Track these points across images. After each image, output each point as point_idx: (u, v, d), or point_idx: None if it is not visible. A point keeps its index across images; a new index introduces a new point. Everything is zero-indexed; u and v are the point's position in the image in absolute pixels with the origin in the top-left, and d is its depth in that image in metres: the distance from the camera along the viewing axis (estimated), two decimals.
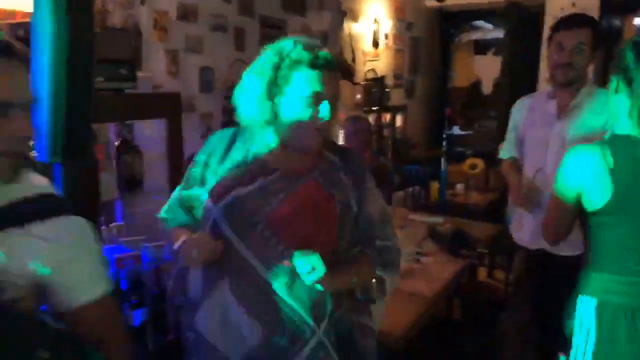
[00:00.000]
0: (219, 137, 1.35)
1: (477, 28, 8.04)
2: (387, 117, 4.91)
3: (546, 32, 5.41)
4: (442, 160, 6.92)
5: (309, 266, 1.12)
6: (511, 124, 2.26)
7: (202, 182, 1.32)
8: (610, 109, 1.39)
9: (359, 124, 3.52)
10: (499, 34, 7.23)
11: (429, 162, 6.28)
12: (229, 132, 1.36)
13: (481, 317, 2.55)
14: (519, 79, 5.87)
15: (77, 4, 1.28)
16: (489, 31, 8.00)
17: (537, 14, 5.59)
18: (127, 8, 2.74)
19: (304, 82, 1.20)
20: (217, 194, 1.25)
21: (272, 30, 3.77)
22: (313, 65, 1.20)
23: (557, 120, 2.03)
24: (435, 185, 3.67)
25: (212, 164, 1.30)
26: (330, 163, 1.33)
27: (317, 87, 1.20)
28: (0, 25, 1.80)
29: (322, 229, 1.24)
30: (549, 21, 5.46)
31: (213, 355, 1.25)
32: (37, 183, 0.98)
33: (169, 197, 1.47)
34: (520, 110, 2.21)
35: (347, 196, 1.30)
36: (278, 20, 3.83)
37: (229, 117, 3.42)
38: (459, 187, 3.99)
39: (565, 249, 1.86)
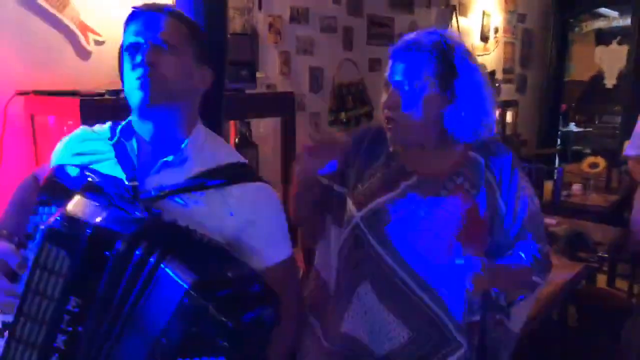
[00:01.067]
0: (366, 137, 1.29)
1: (599, 16, 7.40)
2: (497, 113, 4.72)
3: None
4: (557, 158, 6.51)
5: (468, 269, 1.08)
6: None
7: (341, 176, 1.27)
8: None
9: None
10: (625, 21, 6.61)
11: (540, 160, 5.95)
12: (371, 131, 1.30)
13: (600, 325, 2.37)
14: None
15: (212, 9, 1.43)
16: (614, 19, 7.32)
17: None
18: (246, 14, 2.94)
19: None
20: (361, 199, 1.22)
21: (380, 29, 3.81)
22: None
23: None
24: (548, 186, 3.46)
25: (357, 164, 1.26)
26: (474, 163, 1.24)
27: None
28: None
29: (469, 238, 1.18)
30: None
31: (359, 352, 1.24)
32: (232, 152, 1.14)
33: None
34: None
35: (495, 199, 1.22)
36: (385, 18, 3.86)
37: (335, 116, 3.55)
38: (576, 187, 3.72)
39: None
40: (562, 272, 2.01)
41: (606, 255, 2.18)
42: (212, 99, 1.48)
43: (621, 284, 3.37)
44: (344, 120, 3.58)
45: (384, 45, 3.81)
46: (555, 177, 3.16)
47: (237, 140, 2.32)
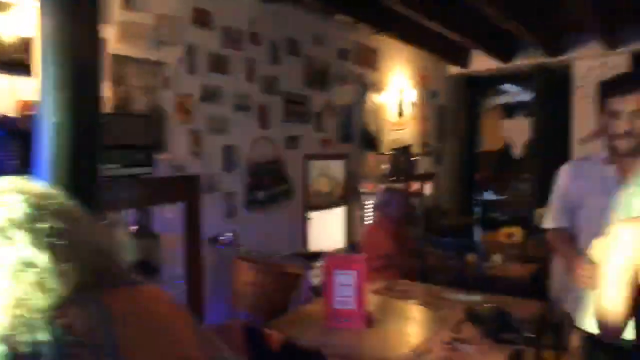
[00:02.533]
0: None
1: (503, 92, 8.04)
2: (416, 186, 4.79)
3: (575, 92, 5.36)
4: (475, 228, 6.66)
5: None
6: (557, 190, 2.10)
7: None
8: None
9: (395, 196, 3.41)
10: (526, 96, 7.20)
11: (461, 230, 6.07)
12: None
13: None
14: (551, 140, 5.73)
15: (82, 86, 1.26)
16: (516, 94, 7.98)
17: (565, 74, 5.53)
18: (151, 93, 2.79)
19: None
20: None
21: (295, 106, 3.80)
22: None
23: (618, 186, 1.89)
24: (471, 258, 3.46)
25: None
26: None
27: None
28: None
29: None
30: (578, 80, 5.39)
31: None
32: None
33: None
34: (570, 177, 2.06)
35: None
36: (301, 96, 3.87)
37: (252, 195, 3.39)
38: (496, 258, 3.75)
39: None
40: (490, 357, 1.90)
41: (533, 335, 2.10)
42: (86, 188, 1.28)
43: (549, 357, 3.33)
44: (262, 200, 3.43)
45: (300, 123, 3.89)
46: (477, 250, 3.16)
47: (133, 230, 2.08)
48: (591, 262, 1.82)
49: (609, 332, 1.38)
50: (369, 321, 2.23)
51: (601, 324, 1.40)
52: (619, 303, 1.34)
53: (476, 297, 2.58)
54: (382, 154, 4.56)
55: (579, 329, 2.05)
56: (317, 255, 3.27)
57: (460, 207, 6.25)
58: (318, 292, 2.90)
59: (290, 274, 2.83)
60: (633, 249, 1.30)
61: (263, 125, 3.52)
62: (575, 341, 2.05)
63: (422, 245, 3.31)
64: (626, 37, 4.97)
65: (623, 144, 1.81)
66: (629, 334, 1.52)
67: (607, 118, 1.85)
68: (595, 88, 1.95)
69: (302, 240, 3.89)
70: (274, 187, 3.51)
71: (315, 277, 3.12)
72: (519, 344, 1.99)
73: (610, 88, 1.85)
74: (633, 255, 1.29)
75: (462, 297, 2.62)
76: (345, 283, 2.20)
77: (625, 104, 1.78)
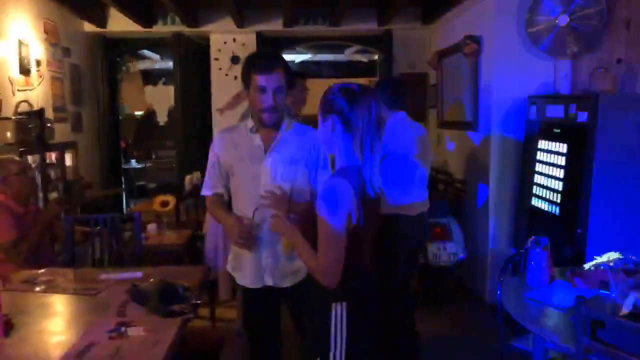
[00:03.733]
0: None
1: (144, 57, 7.82)
2: (53, 156, 4.14)
3: (213, 63, 5.68)
4: (125, 199, 6.36)
5: None
6: (212, 159, 2.14)
7: None
8: (334, 145, 1.60)
9: (5, 170, 2.81)
10: (168, 64, 7.22)
11: (110, 203, 5.68)
12: None
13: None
14: (193, 109, 5.94)
15: None
16: (158, 61, 7.90)
17: (204, 45, 5.78)
18: None
19: None
20: None
21: None
22: None
23: (265, 154, 2.02)
24: (125, 231, 3.21)
25: None
26: None
27: None
28: None
29: None
30: (214, 53, 5.71)
31: None
32: None
33: None
34: (222, 146, 2.12)
35: None
36: None
37: None
38: (151, 227, 3.65)
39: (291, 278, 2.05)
40: (163, 337, 1.79)
41: (199, 302, 2.11)
42: None
43: (204, 312, 3.50)
44: None
45: None
46: (133, 225, 2.94)
47: None
48: (250, 225, 1.96)
49: (333, 280, 1.52)
50: (6, 328, 1.78)
51: (326, 276, 1.53)
52: (341, 256, 1.50)
53: (137, 273, 2.42)
54: (6, 118, 3.72)
55: (239, 285, 2.21)
56: None
57: (106, 178, 5.81)
58: None
59: None
60: (340, 200, 1.48)
61: None
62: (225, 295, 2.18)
63: (69, 225, 2.89)
64: (252, 17, 5.55)
65: (269, 118, 1.98)
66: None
67: (253, 92, 1.97)
68: (242, 63, 2.05)
69: None
70: None
71: None
72: (188, 313, 1.97)
73: (255, 63, 1.96)
74: (342, 206, 1.48)
75: (122, 275, 2.41)
76: None
77: (270, 81, 1.92)
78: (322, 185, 1.56)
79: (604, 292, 2.10)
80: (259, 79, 1.93)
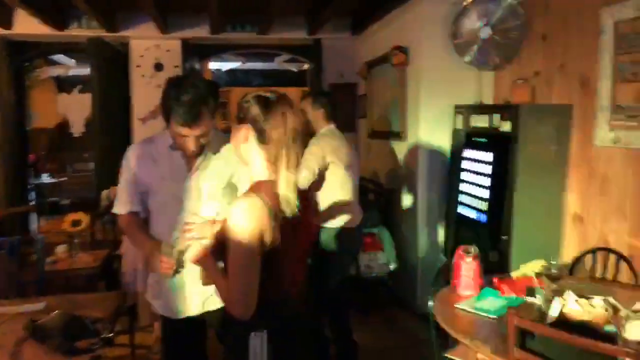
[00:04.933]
0: None
1: (57, 63, 7.26)
2: None
3: (134, 70, 5.36)
4: (32, 218, 5.82)
5: None
6: (126, 174, 1.91)
7: None
8: (245, 157, 1.47)
9: None
10: (85, 70, 6.75)
11: (15, 223, 5.16)
12: None
13: None
14: (112, 118, 5.56)
15: None
16: (72, 67, 7.36)
17: (124, 51, 5.44)
18: None
19: None
20: None
21: None
22: None
23: (188, 172, 1.85)
24: (29, 255, 2.88)
25: None
26: None
27: None
28: None
29: None
30: (136, 59, 5.39)
31: None
32: None
33: None
34: (139, 161, 1.90)
35: None
36: None
37: None
38: (61, 249, 3.31)
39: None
40: None
41: (111, 334, 1.89)
42: None
43: (124, 339, 3.22)
44: None
45: None
46: (35, 248, 2.63)
47: None
48: (172, 251, 1.76)
49: (246, 311, 1.34)
50: None
51: (236, 307, 1.34)
52: (254, 283, 1.32)
53: (39, 305, 2.14)
54: None
55: (159, 314, 2.01)
56: None
57: (11, 195, 5.28)
58: None
59: None
60: (252, 220, 1.31)
61: None
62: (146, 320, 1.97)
63: None
64: (177, 23, 5.30)
65: (193, 147, 1.80)
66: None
67: (174, 130, 1.77)
68: (162, 90, 1.79)
69: None
70: None
71: None
72: (96, 350, 1.75)
73: (177, 114, 1.72)
74: (255, 226, 1.31)
75: (21, 307, 2.12)
76: None
77: (193, 131, 1.75)
78: (233, 204, 1.37)
79: (531, 298, 2.13)
80: (181, 130, 1.74)
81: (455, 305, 2.09)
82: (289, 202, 1.39)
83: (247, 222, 1.31)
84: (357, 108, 5.67)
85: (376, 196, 4.69)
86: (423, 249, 3.94)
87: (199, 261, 1.48)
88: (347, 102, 5.59)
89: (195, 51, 5.56)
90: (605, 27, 2.76)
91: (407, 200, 4.15)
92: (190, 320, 1.90)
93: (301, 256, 1.53)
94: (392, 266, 3.77)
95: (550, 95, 3.23)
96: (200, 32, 5.35)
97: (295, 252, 1.47)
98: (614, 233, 2.77)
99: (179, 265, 1.74)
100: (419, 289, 3.92)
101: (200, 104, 1.72)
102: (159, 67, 5.37)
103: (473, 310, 2.05)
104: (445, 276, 2.44)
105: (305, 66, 6.64)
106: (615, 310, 1.83)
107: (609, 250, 2.70)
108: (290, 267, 1.46)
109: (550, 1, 3.25)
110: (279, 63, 7.79)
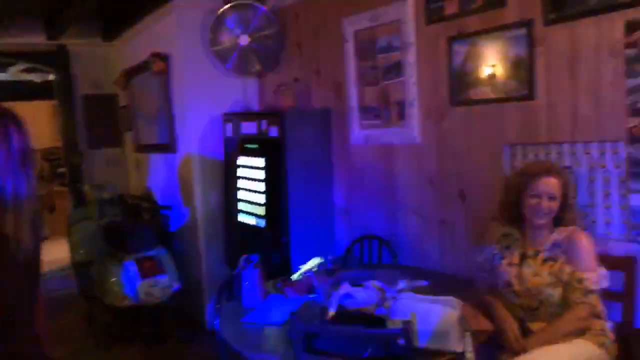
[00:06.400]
0: None
1: None
2: None
3: None
4: None
5: None
6: None
7: None
8: None
9: None
10: None
11: None
12: None
13: None
14: None
15: None
16: None
17: None
18: None
19: None
20: None
21: None
22: None
23: None
24: None
25: None
26: None
27: None
28: None
29: None
30: None
31: None
32: None
33: None
34: None
35: None
36: None
37: None
38: None
39: None
40: None
41: None
42: None
43: None
44: None
45: None
46: None
47: None
48: None
49: None
50: None
51: None
52: None
53: None
54: None
55: None
56: None
57: None
58: None
59: None
60: None
61: None
62: None
63: None
64: None
65: None
66: None
67: None
68: None
69: None
70: None
71: None
72: None
73: None
74: None
75: None
76: None
77: None
78: None
79: (312, 296, 2.19)
80: None
81: (242, 320, 2.02)
82: None
83: None
84: (120, 120, 5.19)
85: (151, 215, 4.34)
86: (207, 264, 3.79)
87: None
88: (107, 114, 5.06)
89: None
90: (348, 35, 3.05)
91: (185, 215, 3.94)
92: None
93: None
94: (175, 287, 3.51)
95: (310, 99, 3.44)
96: None
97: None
98: (373, 220, 3.08)
99: None
100: (208, 305, 3.76)
101: None
102: None
103: (259, 322, 2.01)
104: (230, 288, 2.35)
105: (51, 76, 5.78)
106: (382, 292, 1.99)
107: (371, 237, 2.99)
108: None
109: (300, 11, 3.45)
110: (14, 73, 6.62)
